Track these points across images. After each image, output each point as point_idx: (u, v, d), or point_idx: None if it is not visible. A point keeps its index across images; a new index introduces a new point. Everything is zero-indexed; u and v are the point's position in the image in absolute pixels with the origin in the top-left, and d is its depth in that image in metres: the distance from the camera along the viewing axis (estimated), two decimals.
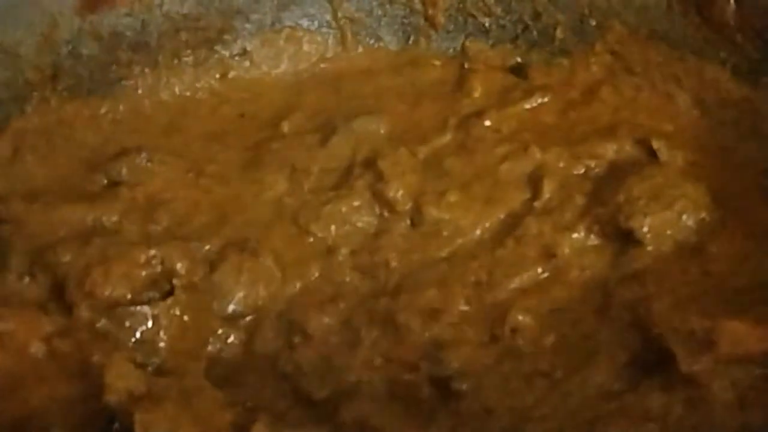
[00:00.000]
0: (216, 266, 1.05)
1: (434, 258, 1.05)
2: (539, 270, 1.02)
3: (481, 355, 0.96)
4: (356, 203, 1.09)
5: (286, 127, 1.19)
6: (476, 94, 1.20)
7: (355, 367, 0.97)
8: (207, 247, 1.06)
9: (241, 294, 1.04)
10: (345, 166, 1.13)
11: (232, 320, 1.03)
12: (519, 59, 1.23)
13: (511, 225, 1.06)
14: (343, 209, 1.09)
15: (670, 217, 1.01)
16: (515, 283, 1.02)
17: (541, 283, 1.02)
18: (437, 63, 1.25)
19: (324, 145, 1.15)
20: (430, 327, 0.99)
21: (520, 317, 0.98)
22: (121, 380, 0.92)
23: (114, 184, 1.13)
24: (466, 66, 1.24)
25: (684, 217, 1.02)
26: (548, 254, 1.03)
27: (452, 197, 1.09)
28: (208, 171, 1.15)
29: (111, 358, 0.94)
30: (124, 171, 1.13)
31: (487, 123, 1.15)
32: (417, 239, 1.07)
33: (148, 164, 1.14)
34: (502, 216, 1.08)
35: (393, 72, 1.25)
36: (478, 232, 1.07)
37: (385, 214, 1.09)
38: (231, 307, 1.03)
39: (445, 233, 1.07)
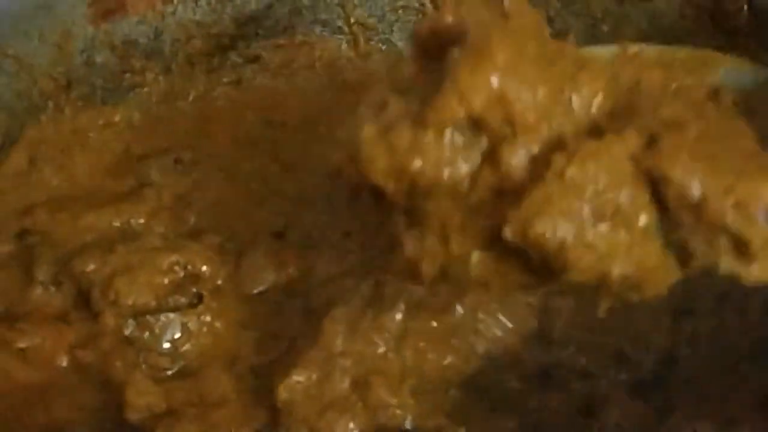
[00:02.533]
0: (245, 252, 1.05)
1: None
2: None
3: None
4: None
5: (323, 130, 1.18)
6: None
7: None
8: (233, 240, 1.07)
9: (271, 276, 1.04)
10: None
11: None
12: None
13: None
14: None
15: None
16: None
17: None
18: None
19: None
20: None
21: None
22: (141, 398, 0.94)
23: (142, 186, 1.13)
24: None
25: None
26: None
27: None
28: (245, 169, 1.15)
29: (131, 375, 0.95)
30: (153, 173, 1.14)
31: None
32: None
33: (178, 166, 1.14)
34: None
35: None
36: None
37: None
38: (259, 290, 1.04)
39: None
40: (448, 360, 0.95)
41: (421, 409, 0.93)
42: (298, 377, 0.93)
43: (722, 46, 1.11)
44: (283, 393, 0.92)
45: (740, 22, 1.10)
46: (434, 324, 0.96)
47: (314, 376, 0.93)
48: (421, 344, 0.95)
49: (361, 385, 0.93)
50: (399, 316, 0.95)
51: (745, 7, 1.09)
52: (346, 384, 0.93)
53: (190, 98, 1.23)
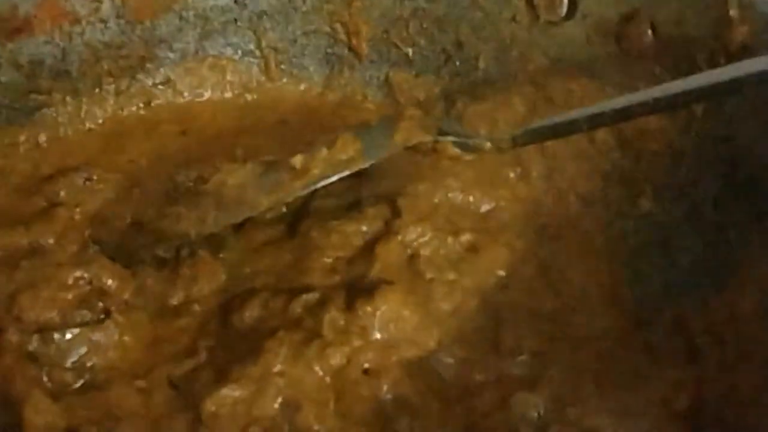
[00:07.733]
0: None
1: None
2: None
3: None
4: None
5: (239, 151, 1.16)
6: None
7: None
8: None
9: (181, 293, 1.03)
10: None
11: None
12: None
13: None
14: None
15: None
16: None
17: None
18: (371, 107, 1.25)
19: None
20: None
21: None
22: (39, 416, 0.92)
23: (53, 206, 1.11)
24: None
25: None
26: None
27: None
28: (161, 184, 1.13)
29: (29, 392, 0.93)
30: (63, 193, 1.11)
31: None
32: None
33: (87, 183, 1.12)
34: None
35: (329, 113, 1.24)
36: None
37: None
38: (171, 303, 1.03)
39: None
40: None
41: None
42: (228, 391, 0.92)
43: (629, 71, 1.13)
44: (209, 406, 0.91)
45: (645, 47, 1.12)
46: None
47: (246, 392, 0.92)
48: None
49: (291, 407, 0.92)
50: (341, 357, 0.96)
51: (650, 31, 1.11)
52: (276, 404, 0.92)
53: (99, 120, 1.21)
